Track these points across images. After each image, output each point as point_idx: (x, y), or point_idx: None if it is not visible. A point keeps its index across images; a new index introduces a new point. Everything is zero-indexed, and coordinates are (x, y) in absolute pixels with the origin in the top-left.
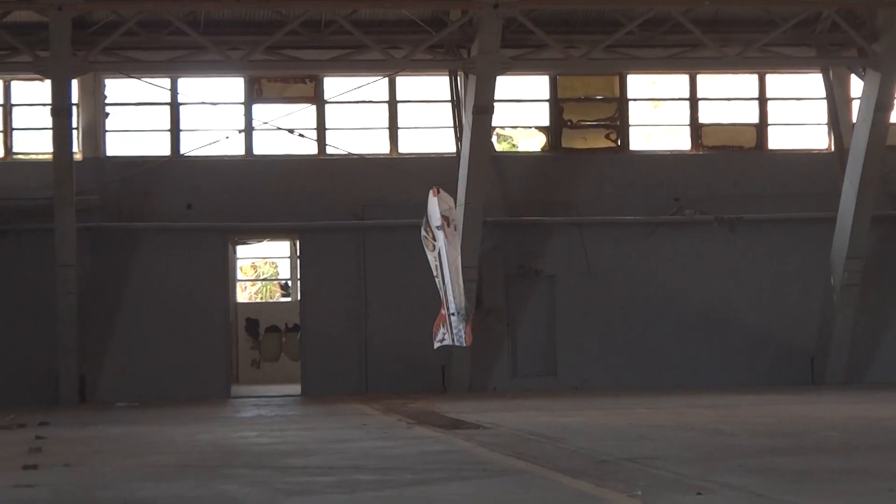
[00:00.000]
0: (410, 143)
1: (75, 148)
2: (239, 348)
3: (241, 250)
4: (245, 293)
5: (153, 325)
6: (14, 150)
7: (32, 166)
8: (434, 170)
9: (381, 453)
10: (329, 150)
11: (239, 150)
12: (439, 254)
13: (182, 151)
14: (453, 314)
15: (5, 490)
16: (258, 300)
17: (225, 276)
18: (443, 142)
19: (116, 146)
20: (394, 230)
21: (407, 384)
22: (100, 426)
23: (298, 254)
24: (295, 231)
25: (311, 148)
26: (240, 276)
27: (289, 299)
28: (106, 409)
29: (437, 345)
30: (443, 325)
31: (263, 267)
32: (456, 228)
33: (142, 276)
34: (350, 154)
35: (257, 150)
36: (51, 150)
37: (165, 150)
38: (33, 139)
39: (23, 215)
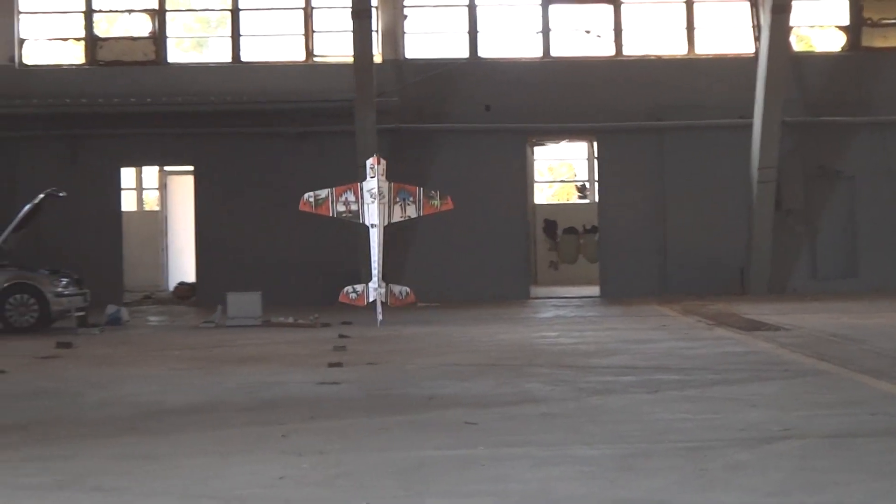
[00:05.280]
0: (708, 44)
1: (375, 50)
2: (537, 250)
3: (539, 152)
4: (542, 195)
5: (452, 225)
6: (315, 52)
7: (333, 69)
8: (731, 70)
9: (681, 353)
10: (626, 52)
11: (536, 51)
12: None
13: (480, 53)
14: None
15: (312, 387)
16: (555, 202)
17: (523, 177)
18: (740, 42)
19: (415, 48)
20: (692, 131)
21: (705, 286)
22: (401, 326)
23: (596, 155)
24: (592, 132)
25: (607, 49)
26: (537, 177)
27: (586, 201)
28: (406, 310)
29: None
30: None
31: (560, 168)
32: (383, 198)
33: (441, 176)
34: (647, 55)
35: (554, 51)
36: (351, 52)
37: (463, 52)
38: (334, 41)
39: (324, 117)
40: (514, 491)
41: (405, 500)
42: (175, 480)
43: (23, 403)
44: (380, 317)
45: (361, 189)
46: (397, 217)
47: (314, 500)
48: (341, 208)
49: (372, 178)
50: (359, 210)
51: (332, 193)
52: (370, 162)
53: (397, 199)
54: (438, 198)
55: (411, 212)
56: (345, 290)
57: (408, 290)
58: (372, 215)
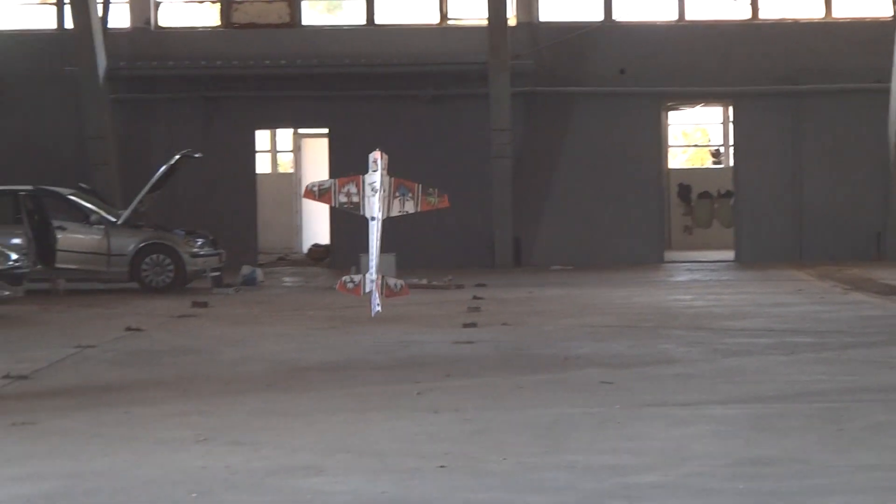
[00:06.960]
0: (845, 7)
1: (510, 13)
2: (671, 214)
3: (673, 116)
4: (677, 160)
5: (586, 189)
6: (449, 15)
7: (467, 31)
8: (869, 34)
9: (817, 317)
10: (762, 15)
11: (672, 14)
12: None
13: (615, 16)
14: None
15: (447, 346)
16: (689, 167)
17: (658, 141)
18: (879, 5)
19: (550, 11)
20: (829, 95)
21: (841, 251)
22: (535, 288)
23: (731, 120)
24: (728, 97)
25: (744, 12)
26: (672, 142)
27: (720, 166)
28: (540, 272)
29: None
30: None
31: (695, 133)
32: (384, 191)
33: (575, 140)
34: (784, 19)
35: (690, 14)
36: (486, 14)
37: (599, 15)
38: (468, 4)
39: (458, 80)
40: (650, 448)
41: (542, 456)
42: (312, 436)
43: (161, 360)
44: (377, 308)
45: (363, 182)
46: (395, 211)
47: (451, 456)
48: (343, 199)
49: (374, 171)
50: (360, 202)
51: (335, 184)
52: (373, 156)
53: (396, 194)
54: (436, 195)
55: (409, 207)
56: (343, 279)
57: (402, 282)
58: (372, 208)
